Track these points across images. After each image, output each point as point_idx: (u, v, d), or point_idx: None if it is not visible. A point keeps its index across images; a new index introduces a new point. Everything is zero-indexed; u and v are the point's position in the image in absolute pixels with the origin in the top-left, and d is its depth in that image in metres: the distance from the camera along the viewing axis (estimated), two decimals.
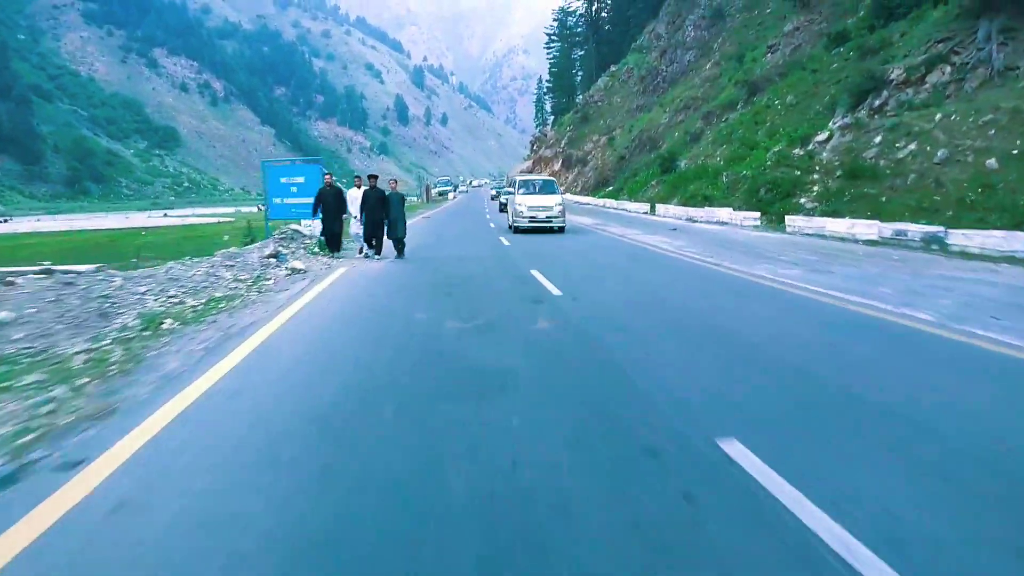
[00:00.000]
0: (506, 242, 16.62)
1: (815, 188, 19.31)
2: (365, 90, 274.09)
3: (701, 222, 23.93)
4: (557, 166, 65.71)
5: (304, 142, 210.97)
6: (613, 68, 67.83)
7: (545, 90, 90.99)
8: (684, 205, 29.61)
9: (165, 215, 53.86)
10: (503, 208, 34.35)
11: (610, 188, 50.30)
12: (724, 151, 34.33)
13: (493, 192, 56.70)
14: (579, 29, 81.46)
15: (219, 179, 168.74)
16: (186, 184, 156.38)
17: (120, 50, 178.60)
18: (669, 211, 29.54)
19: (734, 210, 21.85)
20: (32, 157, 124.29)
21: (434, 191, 71.92)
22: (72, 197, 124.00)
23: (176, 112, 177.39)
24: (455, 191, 79.73)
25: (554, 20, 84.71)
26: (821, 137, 21.17)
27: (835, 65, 30.35)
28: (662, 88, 56.87)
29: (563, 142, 66.59)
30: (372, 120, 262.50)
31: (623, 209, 38.02)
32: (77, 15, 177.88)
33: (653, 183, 39.58)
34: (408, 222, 14.28)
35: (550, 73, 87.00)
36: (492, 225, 24.34)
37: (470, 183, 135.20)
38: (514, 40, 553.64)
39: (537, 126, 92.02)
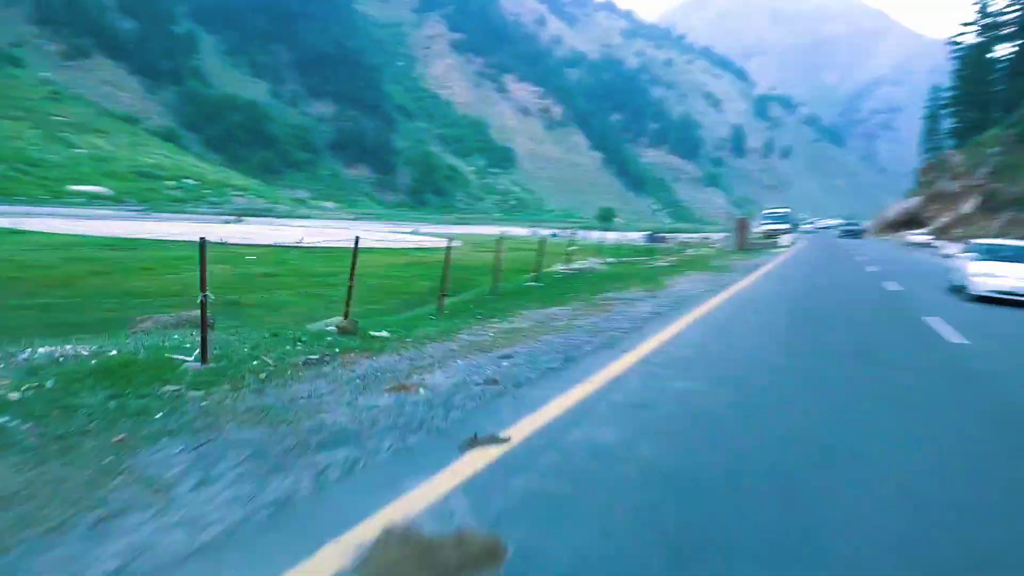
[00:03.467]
0: None
1: None
2: (701, 119, 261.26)
3: None
4: (966, 206, 44.40)
5: (631, 168, 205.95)
6: None
7: (942, 103, 66.61)
8: None
9: (415, 231, 47.26)
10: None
11: None
12: None
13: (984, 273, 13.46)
14: (1017, 12, 56.36)
15: (544, 200, 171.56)
16: (512, 202, 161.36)
17: (476, 75, 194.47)
18: None
19: None
20: (386, 168, 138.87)
21: (759, 228, 46.98)
22: (413, 206, 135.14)
23: (515, 134, 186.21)
24: (796, 230, 59.43)
25: (973, 4, 60.75)
26: None
27: None
28: None
29: (981, 171, 44.68)
30: (704, 150, 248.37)
31: None
32: (446, 44, 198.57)
33: None
34: None
35: (957, 78, 62.71)
36: None
37: (814, 223, 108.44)
38: (881, 70, 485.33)
39: (927, 151, 68.05)
